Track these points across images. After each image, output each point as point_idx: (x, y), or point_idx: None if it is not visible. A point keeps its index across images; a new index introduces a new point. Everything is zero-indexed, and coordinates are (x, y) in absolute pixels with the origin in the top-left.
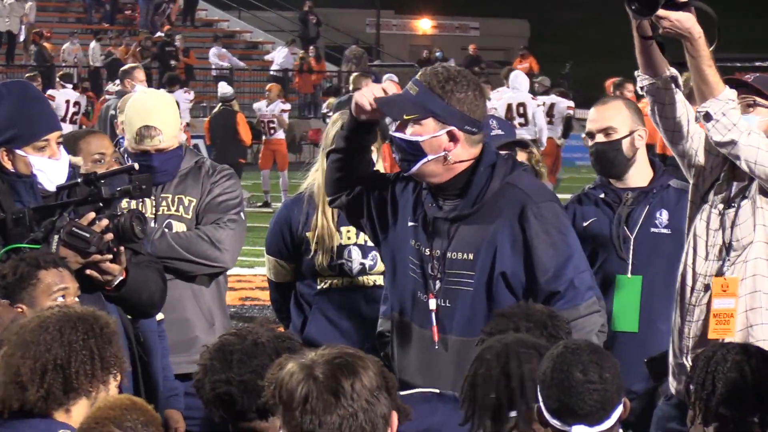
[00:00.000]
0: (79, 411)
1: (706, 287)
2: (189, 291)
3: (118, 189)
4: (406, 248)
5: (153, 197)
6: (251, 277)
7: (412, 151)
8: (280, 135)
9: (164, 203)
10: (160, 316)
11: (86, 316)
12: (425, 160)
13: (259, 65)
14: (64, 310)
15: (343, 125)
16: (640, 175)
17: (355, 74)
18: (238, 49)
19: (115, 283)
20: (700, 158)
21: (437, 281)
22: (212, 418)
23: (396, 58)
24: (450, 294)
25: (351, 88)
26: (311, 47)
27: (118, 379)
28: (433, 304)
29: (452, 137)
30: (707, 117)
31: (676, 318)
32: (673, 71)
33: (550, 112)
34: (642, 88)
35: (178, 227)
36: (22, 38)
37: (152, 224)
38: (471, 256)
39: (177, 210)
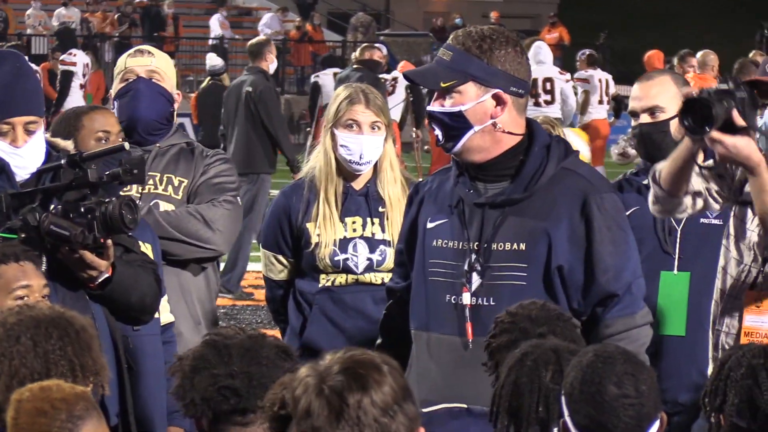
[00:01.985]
0: None
1: (740, 296)
2: (175, 281)
3: (107, 173)
4: (423, 255)
5: None
6: (245, 274)
7: (456, 124)
8: None
9: (151, 181)
10: (169, 319)
11: (58, 319)
12: (471, 131)
13: (252, 34)
14: (31, 314)
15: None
16: None
17: (362, 45)
18: (230, 16)
19: (100, 280)
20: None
21: (476, 277)
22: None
23: (408, 27)
24: (495, 290)
25: (355, 59)
26: (314, 14)
27: (89, 386)
28: (467, 298)
29: (498, 101)
30: None
31: (715, 319)
32: (704, 166)
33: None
34: (647, 186)
35: (166, 208)
36: None
37: (138, 203)
38: (523, 246)
39: (165, 189)
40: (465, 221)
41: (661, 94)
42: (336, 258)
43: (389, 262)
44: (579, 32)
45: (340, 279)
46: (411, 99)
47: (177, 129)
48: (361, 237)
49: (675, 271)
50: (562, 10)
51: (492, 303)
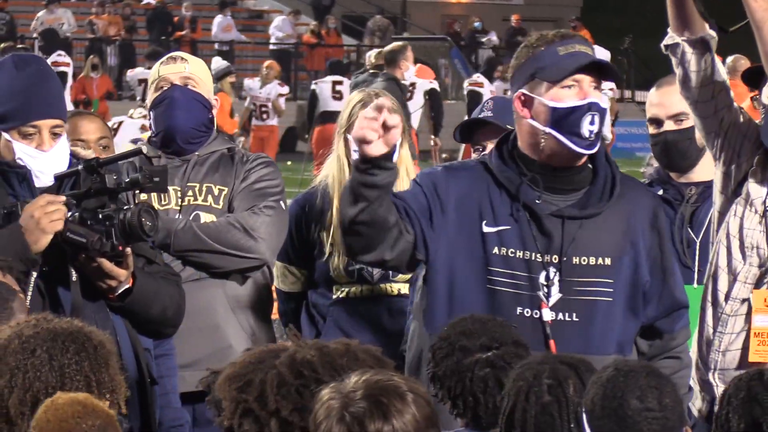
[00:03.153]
0: None
1: (745, 297)
2: (220, 292)
3: (126, 180)
4: (477, 260)
5: (178, 186)
6: None
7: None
8: (273, 121)
9: (190, 192)
10: None
11: (76, 333)
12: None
13: (263, 38)
14: (48, 326)
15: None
16: (706, 168)
17: (377, 50)
18: (240, 19)
19: (120, 291)
20: (733, 142)
21: (554, 291)
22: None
23: (425, 31)
24: (577, 306)
25: (371, 64)
26: (329, 17)
27: (121, 406)
28: (547, 315)
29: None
30: None
31: (706, 326)
32: (710, 33)
33: None
34: (666, 47)
35: (207, 219)
36: None
37: (177, 216)
38: (609, 261)
39: (205, 200)
40: (534, 231)
41: (684, 100)
42: (351, 268)
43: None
44: (602, 36)
45: (355, 289)
46: (430, 105)
47: (217, 135)
48: None
49: (695, 285)
50: (585, 13)
51: (575, 319)
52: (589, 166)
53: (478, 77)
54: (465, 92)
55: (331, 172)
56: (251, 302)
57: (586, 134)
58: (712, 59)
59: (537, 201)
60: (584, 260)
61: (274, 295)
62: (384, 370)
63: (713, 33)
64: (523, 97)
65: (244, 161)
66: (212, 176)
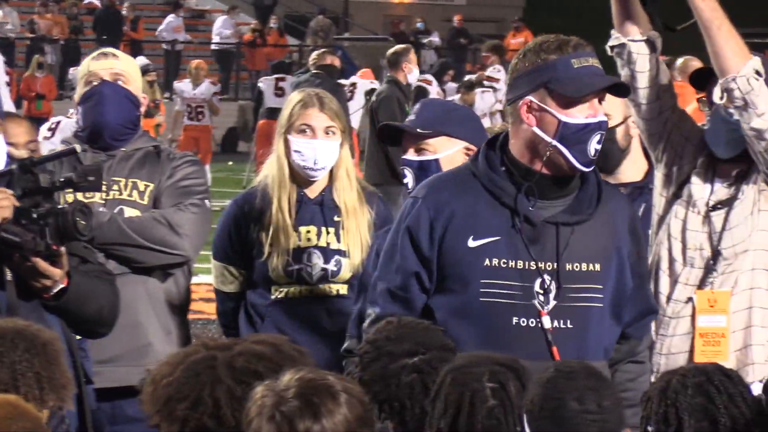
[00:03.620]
0: None
1: (688, 298)
2: (142, 290)
3: (60, 179)
4: (471, 275)
5: (104, 181)
6: (194, 287)
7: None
8: (207, 121)
9: (115, 187)
10: None
11: (23, 331)
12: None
13: (206, 38)
14: None
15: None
16: (634, 168)
17: (318, 51)
18: (183, 18)
19: (55, 291)
20: (675, 144)
21: (551, 298)
22: None
23: (367, 31)
24: (572, 313)
25: (314, 64)
26: (271, 17)
27: (54, 401)
28: (548, 322)
29: None
30: (731, 97)
31: None
32: (655, 33)
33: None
34: (611, 48)
35: (131, 214)
36: None
37: (101, 209)
38: (598, 267)
39: (130, 195)
40: (526, 239)
41: (607, 101)
42: (289, 268)
43: (345, 273)
44: None
45: (294, 290)
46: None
47: (143, 133)
48: (316, 246)
49: None
50: (527, 14)
51: (570, 326)
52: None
53: (427, 76)
54: (412, 87)
55: (271, 172)
56: (171, 300)
57: (592, 153)
58: (657, 60)
59: (531, 208)
60: (577, 266)
61: (208, 294)
62: (318, 369)
63: (658, 33)
64: (530, 105)
65: (170, 158)
66: (138, 172)
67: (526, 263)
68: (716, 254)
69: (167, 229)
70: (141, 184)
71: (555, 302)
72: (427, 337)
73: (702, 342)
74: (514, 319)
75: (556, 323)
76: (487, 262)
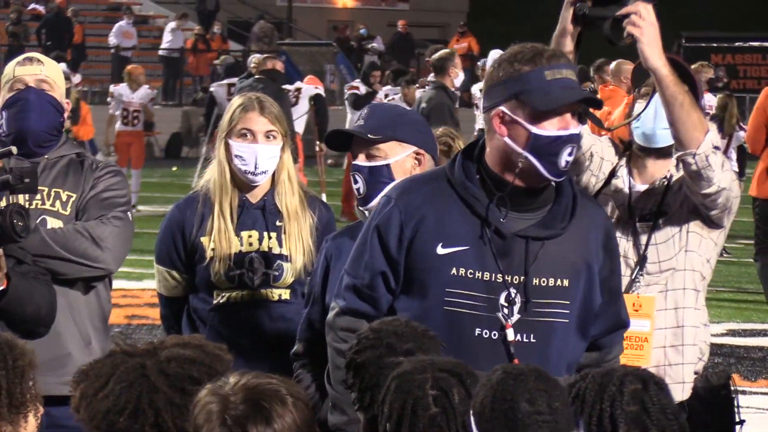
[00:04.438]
0: None
1: None
2: (63, 300)
3: None
4: (435, 284)
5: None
6: (139, 291)
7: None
8: (141, 126)
9: (38, 197)
10: None
11: None
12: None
13: (149, 43)
14: None
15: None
16: None
17: (258, 55)
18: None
19: None
20: (593, 166)
21: (515, 312)
22: None
23: (311, 36)
24: (536, 327)
25: (256, 68)
26: (215, 23)
27: (39, 417)
28: (511, 335)
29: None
30: (686, 170)
31: None
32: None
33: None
34: None
35: (54, 224)
36: None
37: None
38: (566, 283)
39: (53, 205)
40: (495, 251)
41: None
42: (231, 273)
43: (287, 278)
44: (488, 42)
45: (236, 295)
46: (315, 111)
47: (66, 140)
48: (258, 251)
49: None
50: (471, 19)
51: (533, 340)
52: (552, 183)
53: (356, 81)
54: (345, 97)
55: (213, 176)
56: (91, 311)
57: (563, 164)
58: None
59: (502, 220)
60: (544, 281)
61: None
62: (261, 373)
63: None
64: (502, 116)
65: (93, 168)
66: (61, 182)
67: (493, 275)
68: (642, 261)
69: (89, 242)
70: (64, 194)
71: (519, 316)
72: (430, 346)
73: (625, 345)
74: (477, 330)
75: (519, 337)
76: (454, 270)
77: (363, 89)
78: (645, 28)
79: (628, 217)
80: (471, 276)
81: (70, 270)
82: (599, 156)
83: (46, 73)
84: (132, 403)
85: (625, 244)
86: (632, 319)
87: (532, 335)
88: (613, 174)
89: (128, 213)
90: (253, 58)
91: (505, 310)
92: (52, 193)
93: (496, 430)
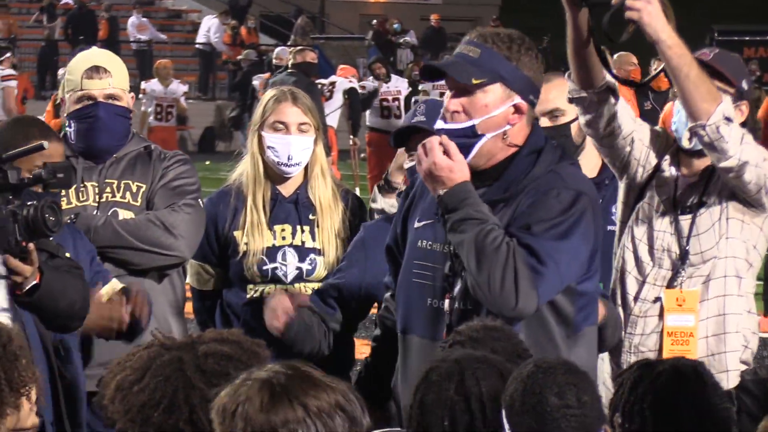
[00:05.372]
0: None
1: (656, 298)
2: None
3: (29, 176)
4: (410, 255)
5: (95, 183)
6: None
7: (471, 133)
8: (174, 121)
9: (108, 189)
10: None
11: None
12: (484, 139)
13: (182, 38)
14: None
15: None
16: (588, 164)
17: (294, 48)
18: (158, 18)
19: (27, 287)
20: (638, 155)
21: (458, 281)
22: None
23: (344, 30)
24: (471, 295)
25: (290, 62)
26: (249, 17)
27: (33, 398)
28: (447, 304)
29: (517, 109)
30: (699, 141)
31: None
32: (611, 80)
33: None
34: (570, 98)
35: (125, 216)
36: None
37: (95, 212)
38: None
39: (123, 197)
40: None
41: (560, 97)
42: (264, 267)
43: (320, 272)
44: None
45: (269, 289)
46: (349, 105)
47: (133, 135)
48: (291, 245)
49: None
50: (503, 13)
51: (469, 307)
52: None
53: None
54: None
55: (246, 169)
56: (168, 299)
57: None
58: (617, 100)
59: None
60: None
61: (188, 293)
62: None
63: (613, 79)
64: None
65: (161, 158)
66: (130, 173)
67: (444, 246)
68: (684, 255)
69: (162, 230)
70: (134, 186)
71: (461, 284)
72: (508, 345)
73: (670, 341)
74: (428, 300)
75: (459, 305)
76: (420, 243)
77: (370, 86)
78: (643, 8)
79: (672, 210)
80: (429, 248)
81: (145, 259)
82: (643, 143)
83: (114, 84)
84: (167, 398)
85: (669, 238)
86: (676, 314)
87: (469, 302)
88: (658, 167)
89: (199, 200)
90: (279, 52)
91: (449, 280)
92: (122, 185)
93: (525, 423)
